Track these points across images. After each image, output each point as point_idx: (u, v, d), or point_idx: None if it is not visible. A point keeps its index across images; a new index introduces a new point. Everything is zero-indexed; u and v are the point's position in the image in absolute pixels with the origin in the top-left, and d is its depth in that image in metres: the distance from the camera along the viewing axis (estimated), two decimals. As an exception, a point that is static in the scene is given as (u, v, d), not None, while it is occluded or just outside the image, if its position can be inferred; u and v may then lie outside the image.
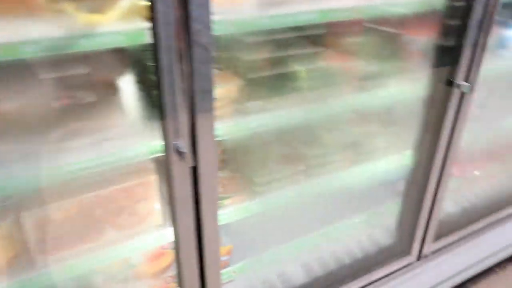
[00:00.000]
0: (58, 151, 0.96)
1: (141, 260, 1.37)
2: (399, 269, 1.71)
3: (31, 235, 1.05)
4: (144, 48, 0.86)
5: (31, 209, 1.06)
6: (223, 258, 1.41)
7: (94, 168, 0.97)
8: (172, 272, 1.46)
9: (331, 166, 1.43)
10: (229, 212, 1.27)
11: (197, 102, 0.92)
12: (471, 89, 1.38)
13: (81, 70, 1.02)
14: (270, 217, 1.44)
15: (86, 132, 1.03)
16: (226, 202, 1.27)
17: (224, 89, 1.14)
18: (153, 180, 1.17)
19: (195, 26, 0.85)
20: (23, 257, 1.11)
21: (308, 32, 1.22)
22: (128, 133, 1.07)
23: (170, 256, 1.42)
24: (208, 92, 0.94)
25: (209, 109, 0.95)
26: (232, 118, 1.16)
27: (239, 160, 1.32)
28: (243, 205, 1.27)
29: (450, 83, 1.36)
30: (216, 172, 1.07)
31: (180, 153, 0.95)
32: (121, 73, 1.13)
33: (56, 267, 1.11)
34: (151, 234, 1.22)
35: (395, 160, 1.56)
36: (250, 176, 1.28)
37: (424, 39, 1.42)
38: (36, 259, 1.10)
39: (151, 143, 1.04)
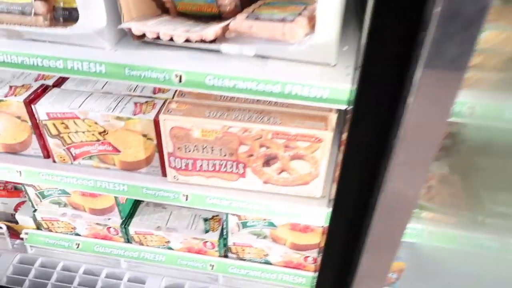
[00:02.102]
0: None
1: (283, 223, 1.08)
2: None
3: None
4: None
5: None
6: (391, 275, 1.01)
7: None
8: (314, 254, 1.14)
9: None
10: (420, 230, 0.83)
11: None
12: None
13: None
14: (475, 256, 0.92)
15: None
16: (423, 214, 0.82)
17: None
18: (328, 139, 0.80)
19: None
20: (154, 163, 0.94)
21: None
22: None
23: (317, 236, 1.09)
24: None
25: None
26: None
27: (470, 162, 0.81)
28: (447, 230, 0.80)
29: None
30: (429, 161, 0.61)
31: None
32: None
33: (183, 187, 0.92)
34: (300, 205, 0.90)
35: None
36: (479, 195, 0.77)
37: None
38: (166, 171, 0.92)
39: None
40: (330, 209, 0.91)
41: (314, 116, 0.83)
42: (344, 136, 0.62)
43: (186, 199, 0.95)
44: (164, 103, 0.89)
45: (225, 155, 0.87)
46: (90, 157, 0.96)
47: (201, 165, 0.90)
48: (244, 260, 1.23)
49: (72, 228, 1.25)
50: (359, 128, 0.58)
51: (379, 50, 0.49)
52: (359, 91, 0.54)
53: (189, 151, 0.87)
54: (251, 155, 0.86)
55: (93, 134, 0.91)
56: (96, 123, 0.89)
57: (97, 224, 1.22)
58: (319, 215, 0.91)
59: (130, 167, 0.96)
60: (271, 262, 1.21)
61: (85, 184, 0.97)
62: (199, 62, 0.73)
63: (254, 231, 1.13)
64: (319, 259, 1.17)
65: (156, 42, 0.75)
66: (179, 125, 0.83)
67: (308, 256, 1.16)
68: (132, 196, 0.97)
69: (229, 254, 1.23)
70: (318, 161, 0.85)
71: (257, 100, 0.87)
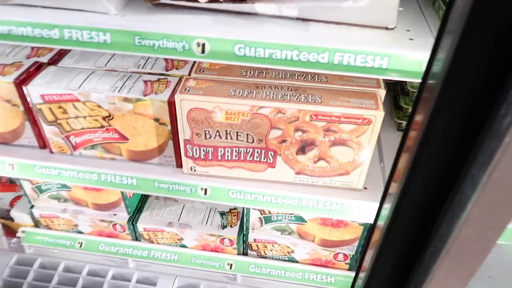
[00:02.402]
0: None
1: (313, 217, 0.96)
2: None
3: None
4: None
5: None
6: None
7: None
8: (345, 251, 1.02)
9: None
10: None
11: None
12: None
13: None
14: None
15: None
16: None
17: None
18: (379, 120, 0.67)
19: None
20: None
21: None
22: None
23: (351, 232, 0.97)
24: None
25: None
26: None
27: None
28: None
29: None
30: None
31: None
32: None
33: (201, 180, 0.80)
34: (340, 199, 0.78)
35: None
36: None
37: None
38: (181, 161, 0.79)
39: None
40: (377, 203, 0.79)
41: (361, 93, 0.70)
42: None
43: (205, 193, 0.82)
44: (179, 80, 0.76)
45: (252, 142, 0.74)
46: (93, 147, 0.83)
47: (223, 154, 0.77)
48: (266, 257, 1.11)
49: (74, 225, 1.13)
50: (445, 109, 0.45)
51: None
52: (452, 59, 0.41)
53: (210, 137, 0.74)
54: (284, 141, 0.73)
55: (96, 120, 0.77)
56: (99, 106, 0.75)
57: (102, 220, 1.09)
58: (366, 210, 0.78)
59: (140, 157, 0.83)
60: (297, 260, 1.09)
61: (87, 178, 0.84)
62: (226, 27, 0.60)
63: (278, 226, 1.01)
64: (351, 256, 1.06)
65: (172, 3, 0.61)
66: (199, 106, 0.70)
67: (338, 253, 1.04)
68: (142, 191, 0.84)
69: (249, 252, 1.11)
70: (363, 147, 0.72)
71: (291, 76, 0.74)
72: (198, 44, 0.60)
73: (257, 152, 0.75)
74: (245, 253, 1.12)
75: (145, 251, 1.12)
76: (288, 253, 1.08)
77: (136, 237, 1.12)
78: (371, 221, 0.80)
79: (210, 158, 0.78)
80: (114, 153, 0.83)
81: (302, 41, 0.57)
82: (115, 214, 1.09)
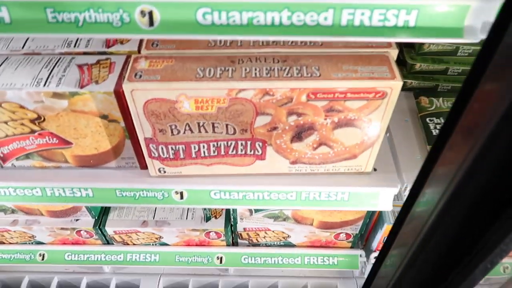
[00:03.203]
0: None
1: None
2: None
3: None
4: None
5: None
6: None
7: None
8: (347, 230, 0.90)
9: None
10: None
11: None
12: None
13: None
14: None
15: None
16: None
17: None
18: (396, 92, 0.51)
19: None
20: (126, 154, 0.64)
21: None
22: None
23: (357, 211, 0.85)
24: None
25: None
26: None
27: None
28: None
29: None
30: None
31: None
32: None
33: (174, 182, 0.64)
34: (347, 187, 0.64)
35: None
36: None
37: None
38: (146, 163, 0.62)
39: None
40: (393, 188, 0.65)
41: (369, 56, 0.53)
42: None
43: (181, 198, 0.66)
44: (126, 60, 0.56)
45: (234, 133, 0.57)
46: (28, 156, 0.64)
47: (198, 151, 0.60)
48: (259, 245, 0.98)
49: (29, 237, 0.95)
50: None
51: None
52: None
53: (178, 132, 0.57)
54: (274, 128, 0.57)
55: (22, 124, 0.58)
56: (22, 107, 0.56)
57: (62, 229, 0.93)
58: (380, 197, 0.65)
59: (91, 162, 0.65)
60: (294, 244, 0.97)
61: (29, 195, 0.66)
62: (180, -16, 0.40)
63: (271, 214, 0.87)
64: (354, 235, 0.94)
65: (94, -47, 0.41)
66: (158, 96, 0.52)
67: (340, 233, 0.93)
68: (102, 203, 0.67)
69: (239, 241, 0.98)
70: (375, 126, 0.56)
71: (275, 41, 0.56)
72: (142, 13, 0.40)
73: (241, 144, 0.59)
74: (235, 243, 0.98)
75: (120, 255, 0.97)
76: (284, 238, 0.95)
77: (108, 241, 0.97)
78: (388, 208, 0.67)
79: (182, 156, 0.61)
80: (57, 161, 0.65)
81: (294, -4, 0.39)
82: (77, 220, 0.93)
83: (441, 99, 0.73)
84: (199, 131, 0.57)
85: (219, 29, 0.41)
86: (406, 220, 0.48)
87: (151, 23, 0.41)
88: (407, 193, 0.66)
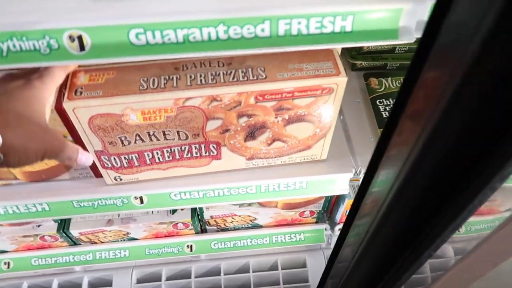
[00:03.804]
0: None
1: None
2: None
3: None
4: None
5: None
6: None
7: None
8: (311, 208, 0.93)
9: None
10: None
11: None
12: None
13: None
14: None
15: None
16: None
17: None
18: (341, 86, 0.52)
19: None
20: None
21: None
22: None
23: (317, 192, 0.87)
24: None
25: None
26: None
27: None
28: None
29: None
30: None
31: None
32: None
33: (132, 189, 0.64)
34: (305, 177, 0.66)
35: None
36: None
37: None
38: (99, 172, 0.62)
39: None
40: (347, 174, 0.67)
41: (313, 52, 0.53)
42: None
43: (141, 202, 0.66)
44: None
45: (186, 138, 0.57)
46: (-27, 177, 0.61)
47: (152, 157, 0.59)
48: (228, 229, 1.00)
49: (-9, 247, 0.93)
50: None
51: None
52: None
53: (129, 143, 0.56)
54: (227, 130, 0.57)
55: (-40, 148, 0.55)
56: (-43, 132, 0.52)
57: (25, 236, 0.91)
58: (337, 182, 0.67)
59: (42, 177, 0.63)
60: (261, 225, 1.00)
61: (-20, 216, 0.64)
62: (109, 4, 0.38)
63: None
64: (318, 211, 0.98)
65: (8, -24, 0.38)
66: (102, 111, 0.50)
67: (304, 211, 0.96)
68: (59, 215, 0.66)
69: (208, 227, 0.99)
70: (325, 119, 0.57)
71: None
72: (71, 37, 0.38)
73: (196, 147, 0.59)
74: (203, 230, 1.00)
75: (88, 254, 0.97)
76: (251, 221, 0.98)
77: (74, 242, 0.96)
78: (345, 192, 0.69)
79: (136, 164, 0.60)
80: (5, 179, 0.62)
81: (228, 10, 0.38)
82: (39, 226, 0.91)
83: (390, 79, 0.75)
84: (151, 140, 0.56)
85: (154, 49, 0.40)
86: (363, 200, 0.50)
87: (81, 47, 0.39)
88: (362, 175, 0.69)
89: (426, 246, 0.52)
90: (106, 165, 0.59)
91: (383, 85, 0.74)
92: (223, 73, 0.51)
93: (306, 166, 0.66)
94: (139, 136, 0.55)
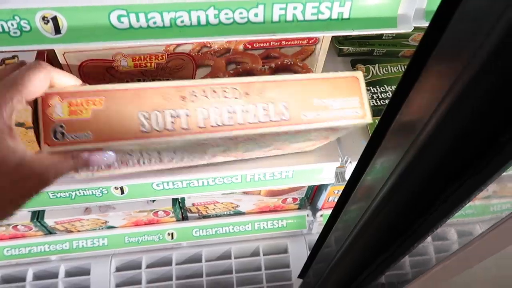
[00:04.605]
0: None
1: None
2: None
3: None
4: None
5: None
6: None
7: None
8: (294, 195, 0.93)
9: None
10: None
11: None
12: None
13: None
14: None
15: None
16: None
17: None
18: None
19: None
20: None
21: None
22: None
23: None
24: None
25: None
26: None
27: None
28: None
29: None
30: None
31: None
32: None
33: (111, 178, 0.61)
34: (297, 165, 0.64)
35: None
36: None
37: None
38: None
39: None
40: (334, 163, 0.66)
41: (338, 80, 0.45)
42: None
43: (122, 193, 0.63)
44: (37, 57, 0.50)
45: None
46: None
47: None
48: (210, 216, 0.99)
49: (-40, 238, 0.88)
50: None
51: None
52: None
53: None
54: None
55: None
56: None
57: (-4, 226, 0.87)
58: (324, 171, 0.66)
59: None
60: (243, 211, 0.99)
61: None
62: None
63: (218, 188, 0.87)
64: (301, 198, 0.97)
65: None
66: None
67: (287, 198, 0.95)
68: (35, 207, 0.63)
69: (189, 215, 0.97)
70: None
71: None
72: (44, 19, 0.35)
73: None
74: (184, 217, 0.98)
75: (65, 243, 0.93)
76: (233, 208, 0.96)
77: (49, 231, 0.92)
78: (331, 181, 0.68)
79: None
80: (-26, 169, 0.58)
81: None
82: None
83: (377, 65, 0.74)
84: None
85: (139, 33, 0.36)
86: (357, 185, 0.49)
87: (57, 30, 0.35)
88: (347, 164, 0.68)
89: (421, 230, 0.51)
90: (84, 155, 0.56)
91: (370, 72, 0.73)
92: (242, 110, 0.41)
93: (292, 155, 0.65)
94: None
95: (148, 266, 1.02)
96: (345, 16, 0.39)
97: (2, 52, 0.51)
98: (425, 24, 0.39)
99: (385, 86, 0.71)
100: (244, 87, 0.41)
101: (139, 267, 1.01)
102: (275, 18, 0.38)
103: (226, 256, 1.05)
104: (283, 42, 0.50)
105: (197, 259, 1.04)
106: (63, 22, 0.35)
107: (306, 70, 0.56)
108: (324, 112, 0.43)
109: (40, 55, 0.49)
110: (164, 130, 0.38)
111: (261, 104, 0.41)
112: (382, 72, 0.73)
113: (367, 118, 0.44)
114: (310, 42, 0.51)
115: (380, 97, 0.70)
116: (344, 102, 0.43)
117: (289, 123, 0.41)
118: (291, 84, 0.43)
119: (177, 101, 0.39)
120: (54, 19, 0.35)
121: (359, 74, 0.46)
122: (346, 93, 0.44)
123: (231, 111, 0.40)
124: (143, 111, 0.38)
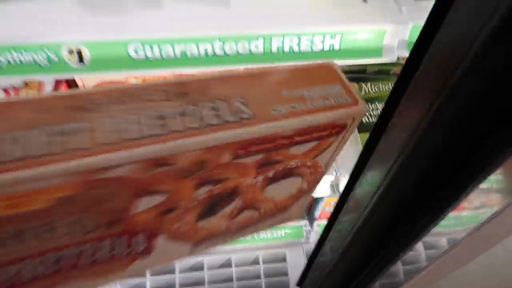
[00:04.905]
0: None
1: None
2: None
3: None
4: None
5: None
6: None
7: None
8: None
9: None
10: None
11: None
12: None
13: None
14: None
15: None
16: None
17: None
18: (358, 119, 0.53)
19: None
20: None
21: None
22: None
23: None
24: None
25: None
26: None
27: None
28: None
29: None
30: None
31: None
32: None
33: None
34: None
35: None
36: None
37: None
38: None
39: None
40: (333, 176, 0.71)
41: (308, 70, 0.31)
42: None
43: (81, 60, 0.65)
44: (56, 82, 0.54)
45: (88, 232, 0.25)
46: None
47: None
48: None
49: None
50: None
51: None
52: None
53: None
54: (171, 210, 0.30)
55: None
56: None
57: None
58: (322, 186, 0.70)
59: None
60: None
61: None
62: (106, 19, 0.40)
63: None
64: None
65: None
66: None
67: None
68: None
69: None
70: (320, 169, 0.36)
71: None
72: (70, 51, 0.39)
73: (109, 244, 0.28)
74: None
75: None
76: (234, 218, 1.00)
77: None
78: (325, 194, 0.73)
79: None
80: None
81: (225, 27, 0.40)
82: None
83: (369, 83, 0.78)
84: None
85: (153, 63, 0.41)
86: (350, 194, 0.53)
87: (81, 60, 0.40)
88: (341, 177, 0.73)
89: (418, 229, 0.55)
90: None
91: (362, 90, 0.78)
92: (173, 114, 0.25)
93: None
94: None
95: (152, 274, 1.06)
96: (336, 47, 0.43)
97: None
98: (407, 54, 0.44)
99: (377, 103, 0.76)
100: (178, 88, 0.27)
101: (143, 275, 1.05)
102: (274, 49, 0.43)
103: (227, 264, 1.09)
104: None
105: (199, 267, 1.08)
106: (86, 54, 0.40)
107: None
108: (302, 104, 0.29)
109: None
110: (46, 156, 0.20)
111: (208, 103, 0.27)
112: (374, 90, 0.77)
113: (361, 104, 0.30)
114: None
115: (372, 114, 0.74)
116: (323, 91, 0.30)
117: (256, 122, 0.26)
118: (245, 78, 0.30)
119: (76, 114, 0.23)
120: (79, 52, 0.40)
121: (332, 62, 0.32)
122: (322, 81, 0.31)
123: (161, 117, 0.25)
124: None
